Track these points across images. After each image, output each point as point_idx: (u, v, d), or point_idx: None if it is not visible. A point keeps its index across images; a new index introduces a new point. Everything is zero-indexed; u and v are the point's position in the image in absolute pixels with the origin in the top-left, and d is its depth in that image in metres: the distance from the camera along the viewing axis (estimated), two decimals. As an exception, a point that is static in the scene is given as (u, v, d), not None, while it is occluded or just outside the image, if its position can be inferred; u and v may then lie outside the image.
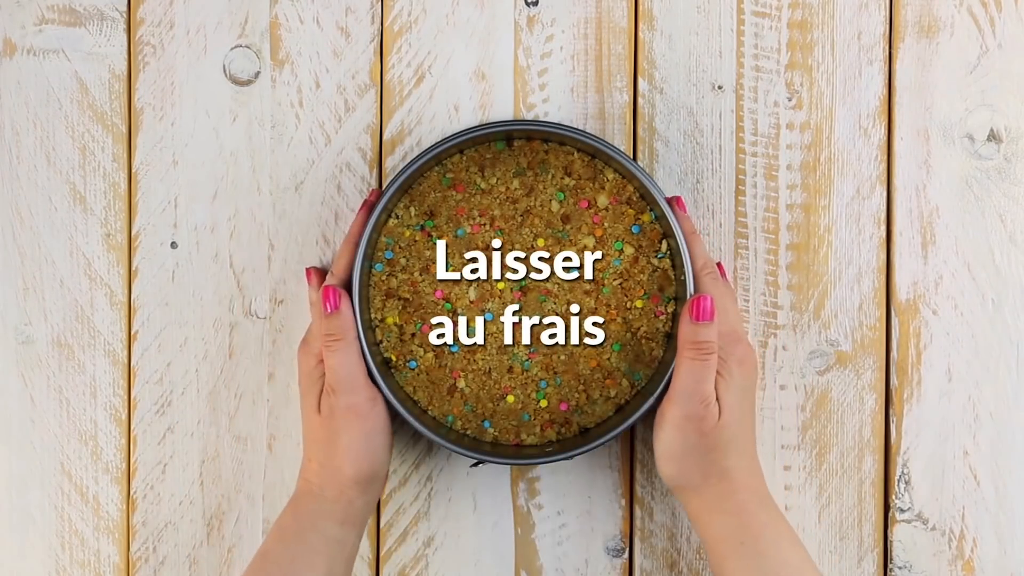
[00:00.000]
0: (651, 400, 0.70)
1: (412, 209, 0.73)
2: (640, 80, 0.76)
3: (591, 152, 0.72)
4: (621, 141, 0.75)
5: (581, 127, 0.75)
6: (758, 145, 0.76)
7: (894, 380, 0.76)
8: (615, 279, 0.73)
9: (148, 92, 0.76)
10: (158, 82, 0.76)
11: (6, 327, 0.76)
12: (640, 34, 0.76)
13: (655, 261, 0.72)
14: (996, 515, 0.75)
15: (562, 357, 0.73)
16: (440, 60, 0.76)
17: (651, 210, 0.72)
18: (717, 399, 0.68)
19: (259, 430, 0.76)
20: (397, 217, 0.73)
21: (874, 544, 0.76)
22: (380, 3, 0.76)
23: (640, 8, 0.76)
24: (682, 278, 0.70)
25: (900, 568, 0.75)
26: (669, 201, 0.72)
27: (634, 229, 0.72)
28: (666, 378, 0.70)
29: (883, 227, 0.76)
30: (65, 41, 0.76)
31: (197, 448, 0.76)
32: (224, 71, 0.76)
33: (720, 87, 0.76)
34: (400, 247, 0.73)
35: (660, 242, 0.72)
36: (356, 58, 0.76)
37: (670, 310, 0.72)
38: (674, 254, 0.71)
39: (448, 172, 0.73)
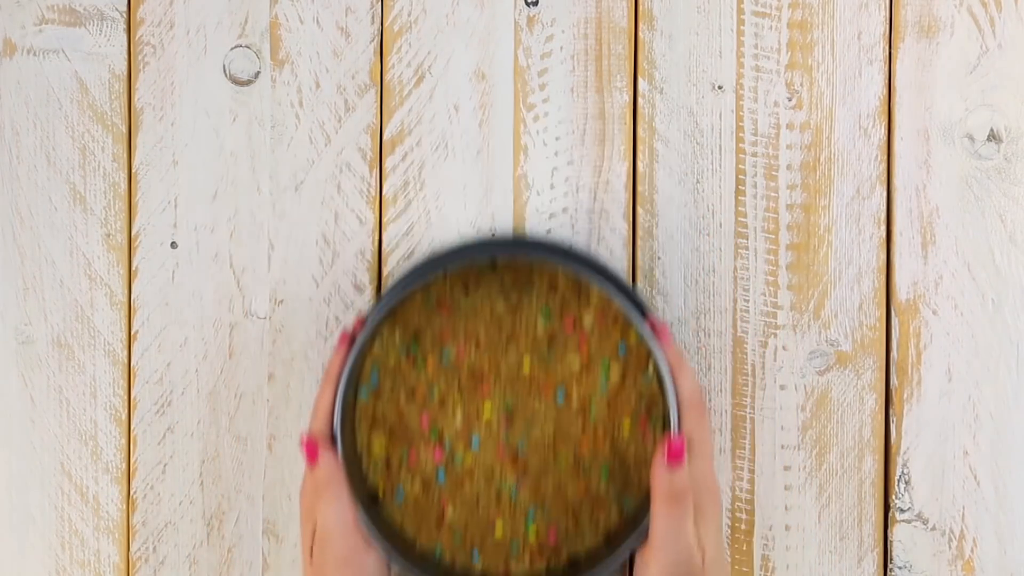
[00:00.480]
0: (641, 528, 0.68)
1: (397, 332, 0.72)
2: (640, 80, 0.76)
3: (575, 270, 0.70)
4: (621, 141, 0.75)
5: (581, 129, 0.75)
6: (758, 145, 0.76)
7: (894, 380, 0.76)
8: (602, 402, 0.72)
9: (148, 92, 0.76)
10: (158, 82, 0.76)
11: (6, 327, 0.76)
12: (640, 34, 0.76)
13: (642, 383, 0.71)
14: (996, 515, 0.75)
15: (550, 483, 0.72)
16: (440, 60, 0.76)
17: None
18: (699, 539, 0.66)
19: (259, 430, 0.76)
20: (381, 341, 0.71)
21: (874, 544, 0.76)
22: (380, 3, 0.76)
23: (640, 8, 0.76)
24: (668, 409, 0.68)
25: (900, 568, 0.75)
26: (653, 327, 0.69)
27: (620, 350, 0.71)
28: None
29: (883, 227, 0.76)
30: (65, 41, 0.76)
31: (197, 448, 0.76)
32: (224, 71, 0.76)
33: (720, 87, 0.76)
34: (385, 372, 0.72)
35: (647, 361, 0.71)
36: (356, 58, 0.76)
37: (659, 433, 0.71)
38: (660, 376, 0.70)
39: (432, 294, 0.72)
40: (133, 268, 0.76)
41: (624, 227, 0.75)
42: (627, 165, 0.76)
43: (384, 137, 0.76)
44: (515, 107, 0.76)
